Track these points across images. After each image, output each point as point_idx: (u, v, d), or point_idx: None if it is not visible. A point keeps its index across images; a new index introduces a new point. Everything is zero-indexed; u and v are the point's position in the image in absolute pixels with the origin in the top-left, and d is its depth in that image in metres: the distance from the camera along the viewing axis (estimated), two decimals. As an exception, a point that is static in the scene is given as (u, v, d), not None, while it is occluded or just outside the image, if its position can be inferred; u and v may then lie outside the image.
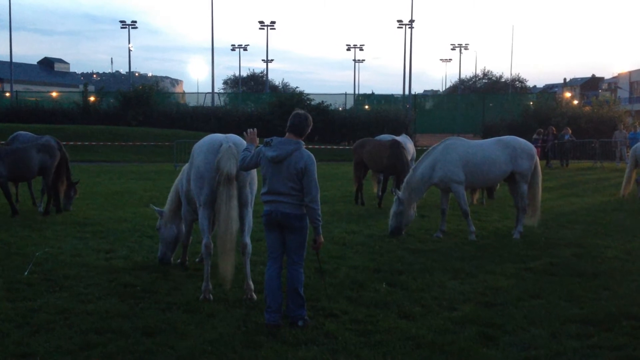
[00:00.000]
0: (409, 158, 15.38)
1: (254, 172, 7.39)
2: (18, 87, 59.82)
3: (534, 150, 11.87)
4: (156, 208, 9.23)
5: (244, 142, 7.00)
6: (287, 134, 6.47)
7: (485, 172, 11.35)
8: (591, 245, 10.56)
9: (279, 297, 6.42)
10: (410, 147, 16.28)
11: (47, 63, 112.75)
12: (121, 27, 69.76)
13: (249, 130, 6.90)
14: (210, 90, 56.05)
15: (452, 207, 12.19)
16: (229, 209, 7.02)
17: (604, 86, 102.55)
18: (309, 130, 6.52)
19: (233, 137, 7.42)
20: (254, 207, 7.66)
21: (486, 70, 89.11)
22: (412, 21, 58.79)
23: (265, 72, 75.24)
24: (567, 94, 77.53)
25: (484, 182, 12.07)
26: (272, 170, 6.34)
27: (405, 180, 11.56)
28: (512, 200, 12.30)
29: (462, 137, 12.43)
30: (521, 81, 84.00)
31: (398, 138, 16.52)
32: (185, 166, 8.38)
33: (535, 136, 29.59)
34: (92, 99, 43.02)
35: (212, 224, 7.55)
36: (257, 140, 6.86)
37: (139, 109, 40.42)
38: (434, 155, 11.34)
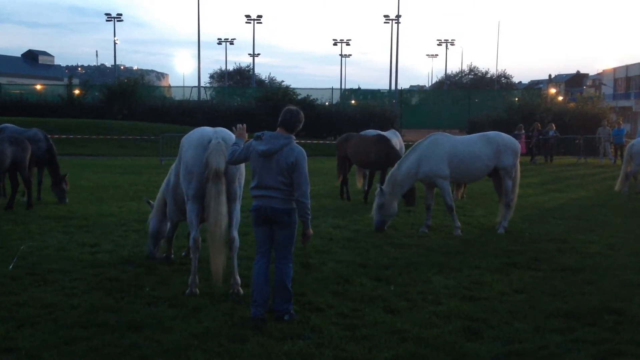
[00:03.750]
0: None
1: (243, 167, 7.41)
2: (2, 80, 59.21)
3: (518, 146, 11.95)
4: (148, 200, 9.24)
5: (233, 137, 7.03)
6: (278, 128, 6.48)
7: (469, 167, 11.41)
8: (575, 241, 10.65)
9: (265, 291, 6.46)
10: (397, 142, 16.28)
11: (32, 56, 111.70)
12: (106, 20, 69.27)
13: (238, 125, 6.93)
14: (196, 84, 55.88)
15: (437, 203, 12.25)
16: (218, 204, 7.01)
17: (589, 82, 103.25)
18: (300, 127, 6.52)
19: (222, 131, 7.41)
20: (242, 202, 7.66)
21: (472, 66, 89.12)
22: (398, 16, 58.93)
23: (251, 66, 75.06)
24: (552, 90, 77.87)
25: (468, 178, 12.16)
26: (262, 164, 6.35)
27: (389, 173, 11.61)
28: (496, 196, 12.38)
29: (446, 133, 12.49)
30: (507, 77, 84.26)
31: (386, 133, 16.52)
32: (173, 166, 8.35)
33: (515, 132, 29.74)
34: (77, 92, 42.76)
35: (200, 218, 7.53)
36: (246, 135, 6.87)
37: (124, 103, 40.22)
38: (419, 150, 11.38)
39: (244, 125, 6.91)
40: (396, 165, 11.60)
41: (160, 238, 8.93)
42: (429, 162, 11.21)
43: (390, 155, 14.22)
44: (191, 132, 7.72)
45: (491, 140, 11.55)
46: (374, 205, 11.27)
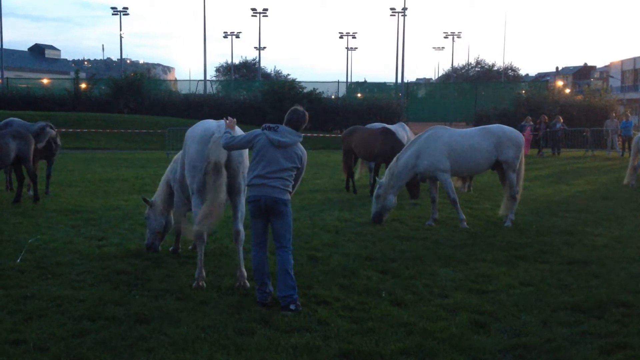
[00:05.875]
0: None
1: (247, 160, 7.45)
2: (9, 74, 59.40)
3: (521, 138, 11.85)
4: (144, 197, 9.24)
5: (237, 129, 7.26)
6: (284, 125, 6.72)
7: (469, 160, 11.37)
8: (582, 233, 10.62)
9: (268, 277, 6.70)
10: (404, 135, 16.21)
11: (38, 50, 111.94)
12: (112, 14, 69.30)
13: (229, 117, 7.23)
14: (202, 78, 55.87)
15: (443, 196, 12.22)
16: (216, 194, 7.05)
17: (596, 75, 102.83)
18: (304, 127, 6.83)
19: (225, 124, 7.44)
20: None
21: (479, 59, 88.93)
22: (404, 9, 58.81)
23: (257, 59, 75.00)
24: (559, 83, 77.67)
25: (468, 171, 12.13)
26: (273, 153, 6.57)
27: (388, 167, 11.62)
28: (502, 189, 12.33)
29: (446, 126, 12.48)
30: (514, 69, 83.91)
31: (393, 126, 16.48)
32: (177, 155, 8.40)
33: (523, 123, 29.70)
34: (83, 86, 42.81)
35: None
36: (235, 128, 7.17)
37: (130, 97, 40.33)
38: (418, 144, 11.37)
39: (235, 119, 7.24)
40: (395, 158, 11.57)
41: (166, 233, 8.95)
42: (429, 155, 11.19)
43: (394, 148, 14.15)
44: (195, 125, 7.77)
45: (492, 133, 11.49)
46: (373, 197, 11.38)
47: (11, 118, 15.35)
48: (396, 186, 11.35)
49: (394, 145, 14.28)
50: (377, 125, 16.80)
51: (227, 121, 7.15)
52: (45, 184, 14.28)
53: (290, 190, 6.73)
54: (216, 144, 7.06)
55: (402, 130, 16.58)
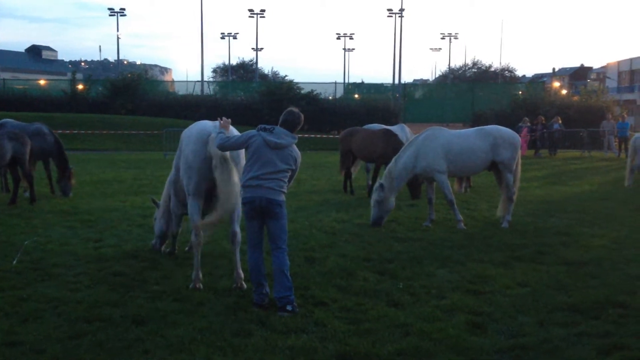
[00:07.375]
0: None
1: (244, 161, 7.44)
2: (5, 75, 59.28)
3: (518, 139, 11.86)
4: (153, 198, 9.30)
5: (233, 130, 7.25)
6: (279, 126, 6.75)
7: (465, 161, 11.38)
8: (579, 234, 10.63)
9: (264, 278, 6.69)
10: (404, 137, 16.16)
11: (35, 51, 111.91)
12: (109, 15, 69.31)
13: (223, 118, 7.26)
14: (199, 79, 55.86)
15: (440, 197, 12.23)
16: (229, 181, 7.00)
17: (593, 76, 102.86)
18: (299, 128, 6.87)
19: None
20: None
21: (475, 60, 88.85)
22: (402, 10, 58.95)
23: (255, 60, 74.98)
24: (556, 84, 77.65)
25: (465, 171, 12.13)
26: (269, 154, 6.59)
27: (387, 169, 11.61)
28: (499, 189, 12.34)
29: (443, 127, 12.50)
30: (510, 70, 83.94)
31: (393, 127, 16.46)
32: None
33: (520, 124, 29.70)
34: (80, 87, 42.70)
35: (201, 213, 7.53)
36: (229, 128, 7.17)
37: (127, 98, 40.23)
38: (416, 145, 11.38)
39: (229, 119, 7.26)
40: (393, 160, 11.57)
41: (167, 237, 8.95)
42: (426, 156, 11.21)
43: (396, 150, 14.11)
44: (191, 126, 7.76)
45: (488, 134, 11.51)
46: (373, 200, 11.30)
47: (5, 119, 15.34)
48: (396, 189, 11.35)
49: (396, 146, 14.22)
50: (376, 126, 16.77)
51: (221, 121, 7.16)
52: (30, 185, 13.38)
53: (285, 191, 6.75)
54: (213, 143, 7.07)
55: (402, 132, 16.55)
